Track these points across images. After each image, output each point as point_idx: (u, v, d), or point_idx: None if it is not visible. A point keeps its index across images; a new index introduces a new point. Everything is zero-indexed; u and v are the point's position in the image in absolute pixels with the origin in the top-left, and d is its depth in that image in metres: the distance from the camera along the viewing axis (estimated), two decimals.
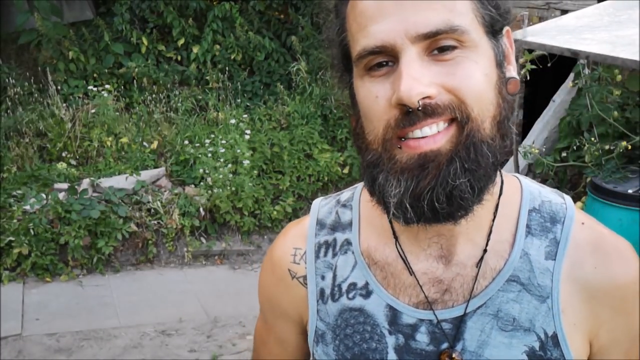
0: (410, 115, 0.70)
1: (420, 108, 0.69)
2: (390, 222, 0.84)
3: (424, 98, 0.69)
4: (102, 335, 4.02)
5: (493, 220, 0.81)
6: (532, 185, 0.87)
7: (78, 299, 4.47)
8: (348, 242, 0.88)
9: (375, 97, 0.73)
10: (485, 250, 0.81)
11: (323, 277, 0.88)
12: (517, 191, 0.85)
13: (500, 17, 0.75)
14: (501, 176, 0.83)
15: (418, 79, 0.69)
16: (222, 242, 5.20)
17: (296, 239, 0.92)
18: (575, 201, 3.94)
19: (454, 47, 0.70)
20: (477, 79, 0.71)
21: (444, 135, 0.71)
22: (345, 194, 0.94)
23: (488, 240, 0.81)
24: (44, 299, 4.43)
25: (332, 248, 0.89)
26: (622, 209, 3.08)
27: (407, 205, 0.72)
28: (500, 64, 0.76)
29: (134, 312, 4.29)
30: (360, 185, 0.93)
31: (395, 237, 0.84)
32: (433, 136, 0.71)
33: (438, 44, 0.70)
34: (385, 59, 0.72)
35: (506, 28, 0.78)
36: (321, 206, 0.93)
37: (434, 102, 0.70)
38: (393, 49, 0.70)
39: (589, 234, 0.82)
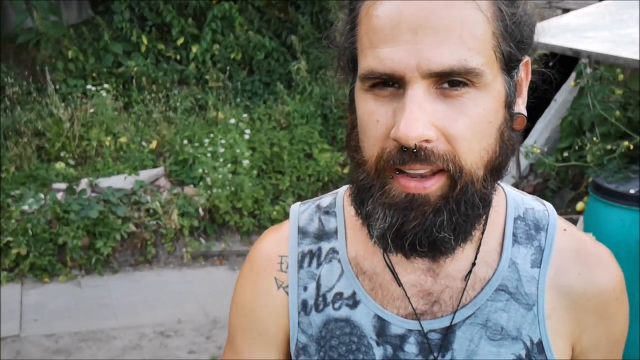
0: (404, 153, 0.68)
1: (415, 150, 0.67)
2: None
3: (421, 140, 0.67)
4: (100, 336, 4.00)
5: (482, 233, 0.81)
6: (514, 193, 0.87)
7: (76, 299, 4.44)
8: (334, 251, 0.86)
9: (375, 120, 0.70)
10: (474, 264, 0.81)
11: (305, 289, 0.86)
12: (502, 200, 0.85)
13: (521, 50, 0.72)
14: None
15: (420, 119, 0.66)
16: (222, 243, 5.18)
17: (280, 246, 0.88)
18: (576, 201, 3.93)
19: (464, 84, 0.68)
20: (478, 129, 0.69)
21: (436, 182, 0.69)
22: (325, 200, 0.91)
23: (477, 253, 0.81)
24: (42, 299, 4.41)
25: (316, 258, 0.86)
26: (624, 209, 3.06)
27: (389, 240, 0.72)
28: (509, 103, 0.73)
29: (132, 313, 4.27)
30: (341, 190, 0.90)
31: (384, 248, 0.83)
32: (423, 181, 0.69)
33: (449, 79, 0.68)
34: (392, 81, 0.69)
35: (526, 59, 0.75)
36: (300, 212, 0.90)
37: (429, 148, 0.68)
38: (401, 79, 0.68)
39: (571, 241, 0.83)
